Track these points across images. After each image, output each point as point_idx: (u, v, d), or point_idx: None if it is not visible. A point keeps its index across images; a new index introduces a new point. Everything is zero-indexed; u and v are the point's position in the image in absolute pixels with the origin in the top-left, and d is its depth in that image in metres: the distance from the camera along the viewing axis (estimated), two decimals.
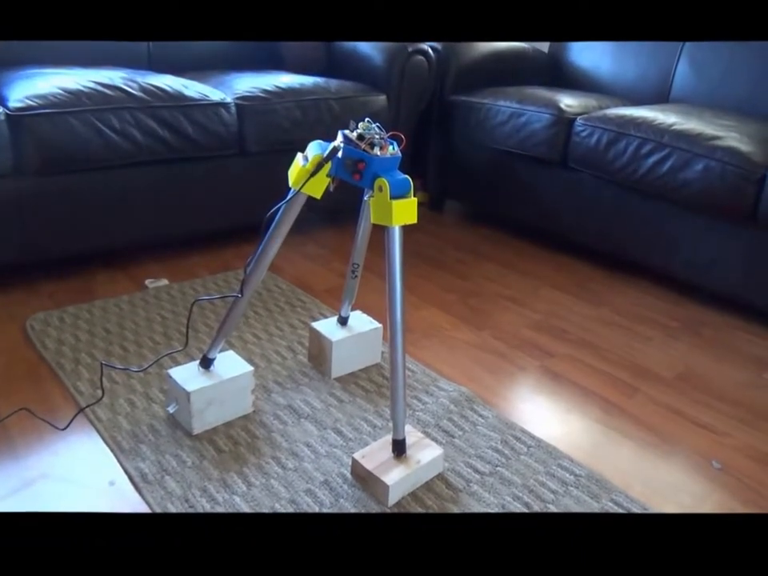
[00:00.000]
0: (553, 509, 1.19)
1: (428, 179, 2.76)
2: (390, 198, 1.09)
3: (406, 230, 1.14)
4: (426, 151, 2.68)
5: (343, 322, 1.59)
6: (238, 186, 2.16)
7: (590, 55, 2.69)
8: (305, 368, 1.61)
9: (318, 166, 1.12)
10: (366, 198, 1.29)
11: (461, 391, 1.53)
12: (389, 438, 1.25)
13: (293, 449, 1.32)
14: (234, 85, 2.16)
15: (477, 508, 1.19)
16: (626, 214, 2.11)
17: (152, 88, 1.93)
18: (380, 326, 1.61)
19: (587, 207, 2.21)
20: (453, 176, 2.64)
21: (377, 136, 1.11)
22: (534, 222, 2.43)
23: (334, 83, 2.31)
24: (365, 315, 1.65)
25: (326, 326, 1.59)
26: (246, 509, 1.15)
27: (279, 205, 1.19)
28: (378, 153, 1.10)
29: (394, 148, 1.13)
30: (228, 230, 2.29)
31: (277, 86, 2.16)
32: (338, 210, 2.48)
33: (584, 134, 2.11)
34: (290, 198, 1.17)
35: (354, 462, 1.24)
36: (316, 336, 1.58)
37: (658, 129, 1.95)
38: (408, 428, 1.29)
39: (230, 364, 1.39)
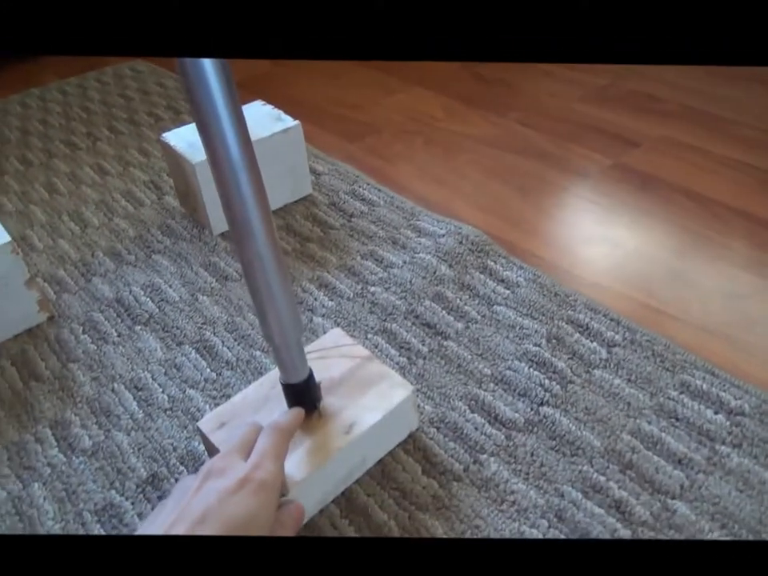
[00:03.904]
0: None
1: None
2: None
3: None
4: None
5: None
6: None
7: None
8: (175, 218, 0.87)
9: None
10: None
11: (463, 234, 0.77)
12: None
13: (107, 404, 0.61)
14: None
15: (508, 529, 0.48)
16: None
17: None
18: None
19: None
20: None
21: None
22: None
23: None
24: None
25: (188, 137, 0.82)
26: None
27: None
28: None
29: None
30: None
31: None
32: None
33: None
34: None
35: (204, 438, 0.54)
36: (174, 157, 0.82)
37: None
38: (333, 336, 0.58)
39: None
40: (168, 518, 0.40)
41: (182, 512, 0.40)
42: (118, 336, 0.70)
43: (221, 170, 0.40)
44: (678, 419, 0.55)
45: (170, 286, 0.75)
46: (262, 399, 0.54)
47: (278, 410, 0.53)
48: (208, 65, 0.36)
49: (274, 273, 0.44)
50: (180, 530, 0.39)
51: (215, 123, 0.38)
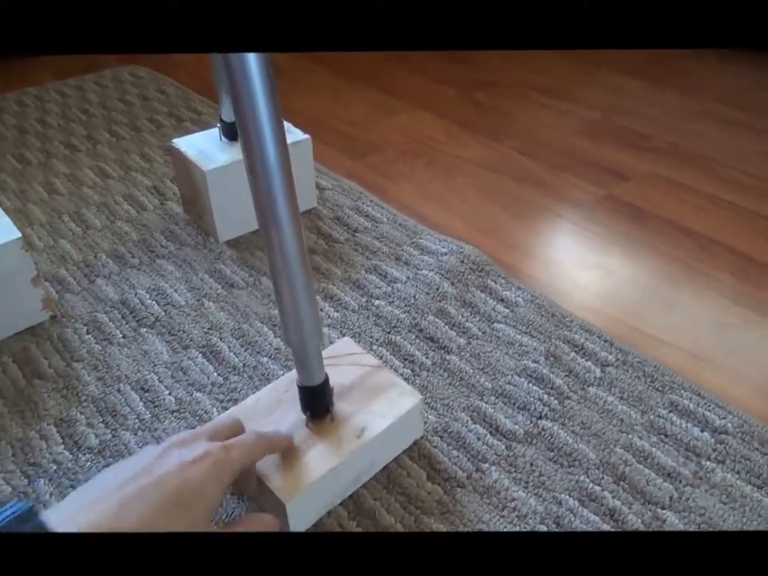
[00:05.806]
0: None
1: None
2: None
3: None
4: None
5: (230, 133, 0.83)
6: None
7: None
8: (178, 223, 0.88)
9: None
10: None
11: (465, 254, 0.80)
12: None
13: (111, 403, 0.62)
14: None
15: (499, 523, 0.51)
16: None
17: None
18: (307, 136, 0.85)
19: None
20: None
21: None
22: None
23: None
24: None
25: (198, 144, 0.83)
26: None
27: None
28: None
29: None
30: None
31: None
32: None
33: None
34: None
35: None
36: (183, 163, 0.83)
37: None
38: (344, 345, 0.60)
39: None
40: (125, 474, 0.41)
41: (140, 471, 0.41)
42: (123, 337, 0.71)
43: (258, 170, 0.41)
44: (666, 435, 0.58)
45: (176, 291, 0.76)
46: (275, 402, 0.56)
47: (290, 413, 0.54)
48: (252, 59, 0.37)
49: (301, 277, 0.46)
50: (132, 488, 0.40)
51: (255, 120, 0.39)
